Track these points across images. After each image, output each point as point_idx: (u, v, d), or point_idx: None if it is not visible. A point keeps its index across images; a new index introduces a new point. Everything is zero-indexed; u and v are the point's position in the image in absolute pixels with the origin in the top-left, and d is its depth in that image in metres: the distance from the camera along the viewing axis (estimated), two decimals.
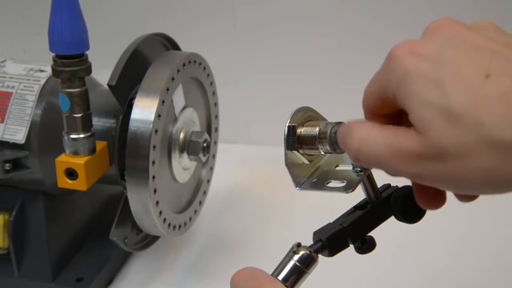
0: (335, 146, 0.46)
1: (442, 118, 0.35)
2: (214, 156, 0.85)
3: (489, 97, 0.35)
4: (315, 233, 0.47)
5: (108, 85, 0.68)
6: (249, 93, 1.12)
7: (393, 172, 0.39)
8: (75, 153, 0.67)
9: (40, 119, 0.71)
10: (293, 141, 0.48)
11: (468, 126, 0.35)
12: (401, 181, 0.49)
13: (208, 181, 0.84)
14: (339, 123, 0.46)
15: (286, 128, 0.48)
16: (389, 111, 0.42)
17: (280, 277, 0.44)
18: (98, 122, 0.72)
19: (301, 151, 0.48)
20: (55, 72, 0.64)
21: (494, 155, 0.34)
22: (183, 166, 0.75)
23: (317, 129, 0.47)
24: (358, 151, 0.40)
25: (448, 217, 0.86)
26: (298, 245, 0.45)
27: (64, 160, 0.67)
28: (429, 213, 0.48)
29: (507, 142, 0.34)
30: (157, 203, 0.70)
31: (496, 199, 0.97)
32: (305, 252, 0.45)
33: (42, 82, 0.72)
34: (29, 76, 0.73)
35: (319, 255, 0.46)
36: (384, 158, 0.38)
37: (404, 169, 0.37)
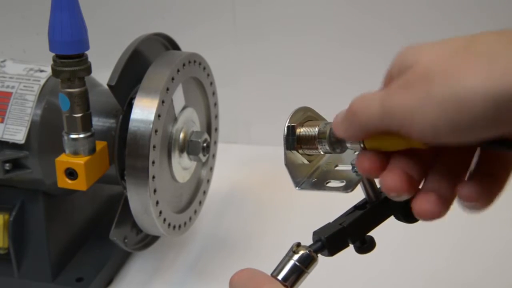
0: (334, 146, 0.46)
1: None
2: (214, 156, 0.85)
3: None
4: (315, 233, 0.47)
5: (108, 85, 0.68)
6: (249, 93, 1.12)
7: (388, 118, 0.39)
8: (75, 153, 0.67)
9: (40, 119, 0.71)
10: (293, 141, 0.48)
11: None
12: None
13: (208, 181, 0.84)
14: None
15: (286, 128, 0.48)
16: None
17: (280, 276, 0.44)
18: (98, 122, 0.72)
19: (300, 151, 0.48)
20: (55, 72, 0.64)
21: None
22: (183, 166, 0.75)
23: (317, 129, 0.47)
24: (354, 111, 0.41)
25: (447, 217, 0.86)
26: (298, 244, 0.45)
27: (64, 160, 0.67)
28: None
29: None
30: (157, 203, 0.70)
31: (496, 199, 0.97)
32: (304, 251, 0.45)
33: (42, 82, 0.72)
34: (29, 76, 0.73)
35: (319, 255, 0.46)
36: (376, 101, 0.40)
37: (396, 101, 0.38)
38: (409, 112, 0.38)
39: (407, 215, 0.48)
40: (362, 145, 0.44)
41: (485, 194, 0.41)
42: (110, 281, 0.80)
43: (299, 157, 0.48)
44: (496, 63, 0.35)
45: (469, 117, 0.35)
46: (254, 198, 0.98)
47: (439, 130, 0.37)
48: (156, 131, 0.67)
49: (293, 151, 0.48)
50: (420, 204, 0.42)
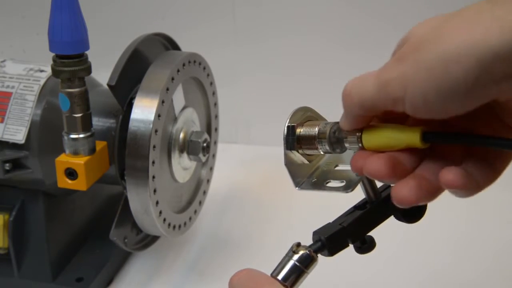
0: (334, 146, 0.46)
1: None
2: (214, 156, 0.85)
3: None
4: (315, 233, 0.47)
5: (108, 85, 0.68)
6: (249, 93, 1.12)
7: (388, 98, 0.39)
8: (75, 153, 0.67)
9: (40, 119, 0.71)
10: (293, 141, 0.48)
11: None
12: None
13: (208, 181, 0.84)
14: (338, 123, 0.46)
15: (286, 128, 0.48)
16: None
17: (280, 276, 0.44)
18: (98, 122, 0.72)
19: (300, 151, 0.48)
20: (55, 72, 0.64)
21: None
22: (183, 166, 0.75)
23: (317, 129, 0.47)
24: (349, 91, 0.41)
25: (447, 217, 0.86)
26: (298, 244, 0.45)
27: (64, 160, 0.67)
28: (429, 213, 0.48)
29: None
30: (157, 203, 0.70)
31: (496, 199, 0.98)
32: (304, 251, 0.45)
33: (42, 82, 0.72)
34: (29, 76, 0.73)
35: (319, 255, 0.46)
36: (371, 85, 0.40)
37: (389, 74, 0.39)
38: (401, 84, 0.38)
39: (407, 215, 0.47)
40: (360, 145, 0.44)
41: (471, 182, 0.40)
42: (110, 281, 0.80)
43: (299, 157, 0.48)
44: (479, 23, 0.35)
45: (453, 80, 0.35)
46: (254, 198, 0.98)
47: (428, 99, 0.37)
48: (156, 131, 0.67)
49: (293, 151, 0.48)
50: (397, 189, 0.41)
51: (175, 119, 0.72)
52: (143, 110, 0.67)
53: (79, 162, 0.66)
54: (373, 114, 0.43)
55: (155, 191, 0.69)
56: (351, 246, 0.47)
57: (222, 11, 1.08)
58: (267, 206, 0.95)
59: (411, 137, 0.41)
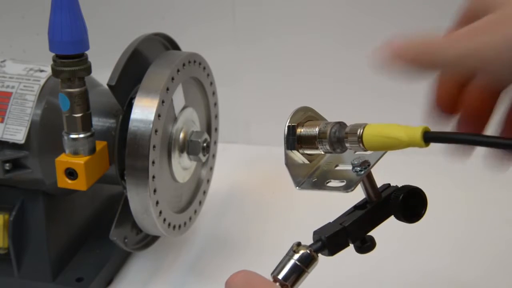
0: (335, 146, 0.46)
1: None
2: (214, 156, 0.85)
3: None
4: (315, 233, 0.47)
5: (108, 85, 0.68)
6: (249, 93, 1.12)
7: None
8: (75, 153, 0.67)
9: (40, 119, 0.71)
10: (293, 141, 0.48)
11: None
12: (401, 181, 0.49)
13: (208, 181, 0.84)
14: (339, 123, 0.46)
15: (286, 128, 0.48)
16: None
17: (280, 276, 0.44)
18: (98, 122, 0.72)
19: (301, 151, 0.48)
20: (55, 72, 0.64)
21: None
22: (183, 166, 0.75)
23: (317, 129, 0.47)
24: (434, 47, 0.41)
25: (447, 217, 0.86)
26: (298, 244, 0.46)
27: (64, 160, 0.67)
28: (429, 213, 0.48)
29: None
30: (157, 203, 0.70)
31: (496, 199, 0.98)
32: (305, 251, 0.45)
33: (42, 82, 0.72)
34: (29, 76, 0.73)
35: (319, 255, 0.46)
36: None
37: (485, 39, 0.38)
38: (496, 51, 0.37)
39: (407, 214, 0.48)
40: (361, 145, 0.44)
41: None
42: (110, 281, 0.80)
43: (299, 157, 0.48)
44: None
45: None
46: (254, 198, 0.98)
47: None
48: (156, 131, 0.67)
49: (293, 151, 0.48)
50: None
51: (175, 119, 0.72)
52: (143, 110, 0.67)
53: (79, 162, 0.66)
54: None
55: (155, 191, 0.69)
56: (351, 246, 0.48)
57: (222, 11, 1.08)
58: (267, 206, 0.95)
59: (412, 137, 0.41)
